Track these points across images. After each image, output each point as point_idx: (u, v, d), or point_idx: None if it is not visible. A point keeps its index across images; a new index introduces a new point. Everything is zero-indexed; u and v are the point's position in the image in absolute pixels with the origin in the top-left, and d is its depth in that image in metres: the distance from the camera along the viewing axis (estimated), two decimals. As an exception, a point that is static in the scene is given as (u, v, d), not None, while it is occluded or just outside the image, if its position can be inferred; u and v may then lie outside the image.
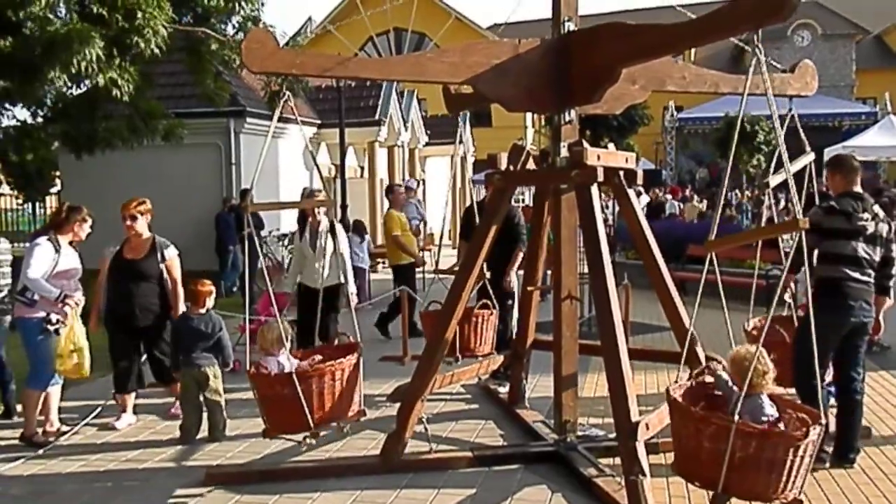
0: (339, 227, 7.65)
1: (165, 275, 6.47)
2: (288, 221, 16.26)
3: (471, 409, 6.94)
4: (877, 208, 5.39)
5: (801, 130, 5.50)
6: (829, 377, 5.70)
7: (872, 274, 5.30)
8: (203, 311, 6.29)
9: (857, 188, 5.41)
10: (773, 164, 5.57)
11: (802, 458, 3.61)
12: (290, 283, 7.89)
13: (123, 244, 6.47)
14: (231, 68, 11.36)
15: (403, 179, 18.95)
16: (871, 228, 5.27)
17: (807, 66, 5.79)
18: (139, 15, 8.52)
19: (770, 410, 3.93)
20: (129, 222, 6.37)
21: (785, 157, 3.66)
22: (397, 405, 5.73)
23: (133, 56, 8.99)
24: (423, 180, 24.72)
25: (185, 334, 6.20)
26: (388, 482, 5.13)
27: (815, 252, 5.25)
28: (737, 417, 3.61)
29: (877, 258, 5.32)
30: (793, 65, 5.81)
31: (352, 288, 7.42)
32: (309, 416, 4.85)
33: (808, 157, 6.06)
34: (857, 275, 5.22)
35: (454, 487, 5.06)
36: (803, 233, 3.71)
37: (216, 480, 5.22)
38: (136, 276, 6.34)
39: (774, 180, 5.68)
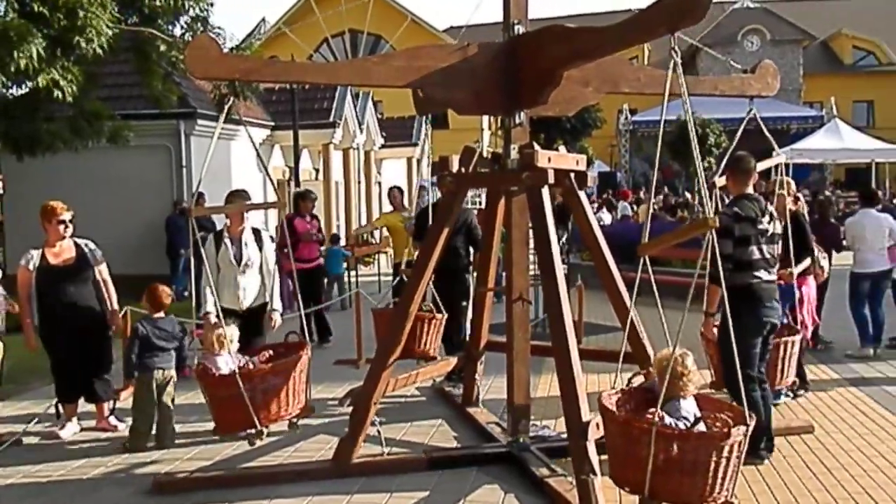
0: (265, 235, 6.69)
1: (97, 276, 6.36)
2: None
3: (425, 411, 6.93)
4: (770, 207, 5.57)
5: (766, 131, 5.60)
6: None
7: (775, 272, 5.50)
8: (162, 314, 6.20)
9: (750, 189, 5.53)
10: (722, 166, 5.71)
11: (728, 459, 3.59)
12: (211, 301, 6.06)
13: (44, 250, 6.24)
14: (180, 69, 11.19)
15: (419, 179, 18.90)
16: (771, 229, 5.44)
17: (767, 67, 5.82)
18: (81, 14, 8.32)
19: (685, 413, 3.89)
20: (62, 228, 6.21)
21: (698, 160, 3.70)
22: (350, 409, 5.70)
23: (77, 56, 8.79)
24: (380, 183, 24.67)
25: (146, 337, 6.06)
26: (341, 486, 5.10)
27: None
28: (656, 419, 3.62)
29: (776, 255, 5.52)
30: (754, 65, 5.88)
31: (277, 306, 6.45)
32: (254, 415, 4.83)
33: (778, 159, 6.17)
34: (765, 275, 5.39)
35: (407, 490, 5.05)
36: (714, 236, 3.75)
37: (165, 488, 5.13)
38: (72, 280, 6.19)
39: (720, 181, 5.82)
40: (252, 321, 6.34)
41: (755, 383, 5.29)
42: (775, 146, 6.09)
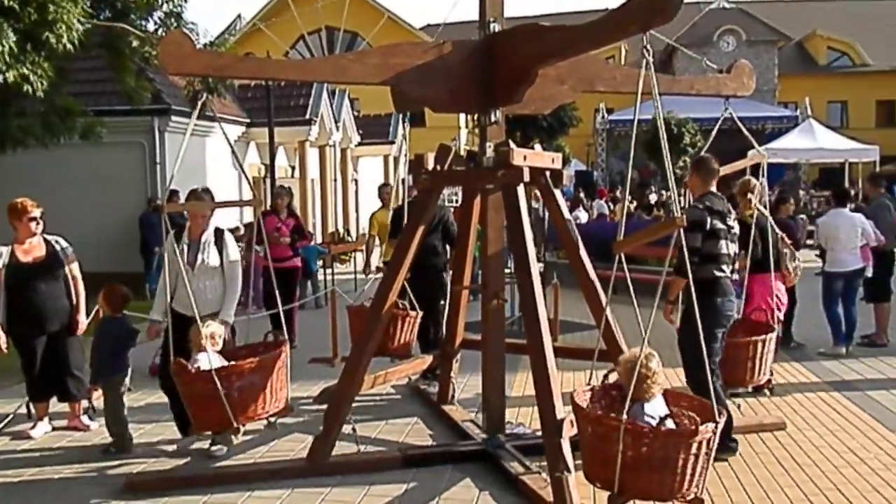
0: (228, 237, 6.01)
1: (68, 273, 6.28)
2: (214, 222, 15.93)
3: (400, 410, 6.92)
4: (730, 207, 5.70)
5: (745, 130, 5.65)
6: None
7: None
8: (121, 314, 6.12)
9: (713, 188, 5.61)
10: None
11: (697, 456, 3.61)
12: (160, 309, 5.85)
13: (14, 248, 6.14)
14: (153, 65, 11.10)
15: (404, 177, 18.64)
16: (735, 228, 5.55)
17: (743, 66, 5.87)
18: (51, 9, 8.22)
19: (647, 419, 3.87)
20: (33, 225, 6.13)
21: (667, 160, 3.72)
22: (325, 407, 5.68)
23: (48, 51, 8.68)
24: (356, 180, 24.61)
25: (115, 338, 5.96)
26: (315, 485, 5.08)
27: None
28: (624, 417, 3.63)
29: (734, 254, 5.62)
30: (730, 65, 5.94)
31: (226, 316, 5.73)
32: (230, 413, 4.79)
33: (756, 158, 6.22)
34: (727, 271, 5.48)
35: (382, 489, 5.03)
36: (682, 231, 3.81)
37: (138, 488, 5.08)
38: (43, 278, 6.11)
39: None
40: None
41: (718, 377, 5.34)
42: (755, 145, 6.15)
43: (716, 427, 3.68)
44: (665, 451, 3.60)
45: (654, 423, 3.83)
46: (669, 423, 3.84)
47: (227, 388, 4.80)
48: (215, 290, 5.82)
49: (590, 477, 3.95)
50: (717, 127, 5.68)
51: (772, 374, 6.74)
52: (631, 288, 4.10)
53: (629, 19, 3.89)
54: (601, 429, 3.74)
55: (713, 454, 3.75)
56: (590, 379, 4.27)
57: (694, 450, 3.60)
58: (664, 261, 4.76)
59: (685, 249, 4.04)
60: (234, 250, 6.00)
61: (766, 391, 6.96)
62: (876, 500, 4.76)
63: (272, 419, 5.24)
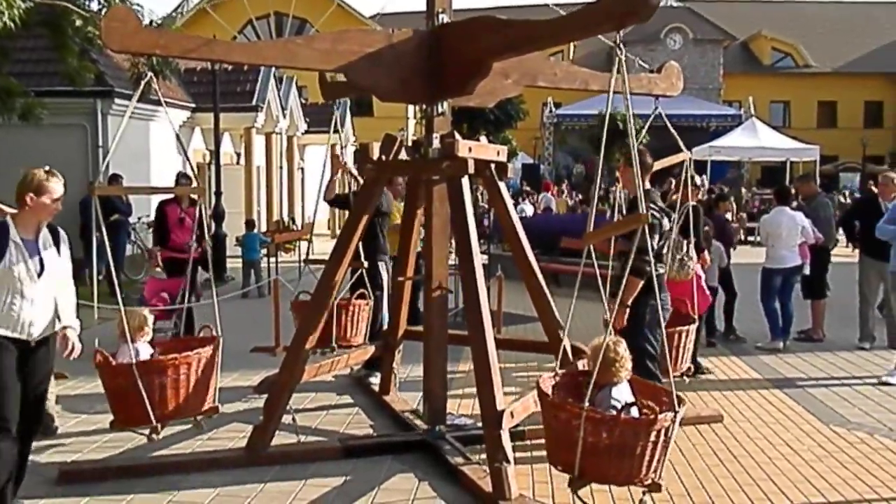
0: (63, 235, 4.67)
1: None
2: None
3: (341, 400, 6.89)
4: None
5: (672, 129, 5.73)
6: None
7: None
8: None
9: (647, 185, 5.68)
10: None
11: (655, 443, 3.72)
12: None
13: None
14: (96, 46, 10.83)
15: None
16: (666, 226, 5.67)
17: (672, 67, 5.99)
18: (-9, -15, 7.98)
19: (614, 402, 3.98)
20: None
21: (635, 153, 3.76)
22: (266, 396, 5.62)
23: (-14, 30, 8.42)
24: (302, 168, 24.38)
25: None
26: (253, 475, 5.03)
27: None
28: (586, 404, 3.72)
29: None
30: (660, 65, 6.03)
31: (74, 322, 4.49)
32: (150, 410, 4.62)
33: (683, 155, 6.32)
34: (661, 269, 5.57)
35: (321, 479, 5.01)
36: (646, 228, 3.87)
37: (71, 478, 4.97)
38: None
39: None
40: (41, 353, 4.42)
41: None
42: (682, 145, 6.24)
43: (675, 416, 3.77)
44: (624, 438, 3.70)
45: (619, 406, 3.95)
46: (634, 412, 3.93)
47: (149, 384, 4.62)
48: (53, 304, 4.43)
49: (552, 460, 4.06)
50: (647, 124, 5.82)
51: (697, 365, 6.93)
52: (599, 281, 4.16)
53: (602, 17, 3.87)
54: (563, 415, 3.83)
55: (672, 441, 3.85)
56: (556, 368, 4.32)
57: (653, 438, 3.71)
58: (606, 255, 4.84)
59: (646, 248, 4.03)
60: (67, 253, 4.71)
61: (686, 378, 7.08)
62: (807, 490, 4.89)
63: (198, 418, 5.11)
